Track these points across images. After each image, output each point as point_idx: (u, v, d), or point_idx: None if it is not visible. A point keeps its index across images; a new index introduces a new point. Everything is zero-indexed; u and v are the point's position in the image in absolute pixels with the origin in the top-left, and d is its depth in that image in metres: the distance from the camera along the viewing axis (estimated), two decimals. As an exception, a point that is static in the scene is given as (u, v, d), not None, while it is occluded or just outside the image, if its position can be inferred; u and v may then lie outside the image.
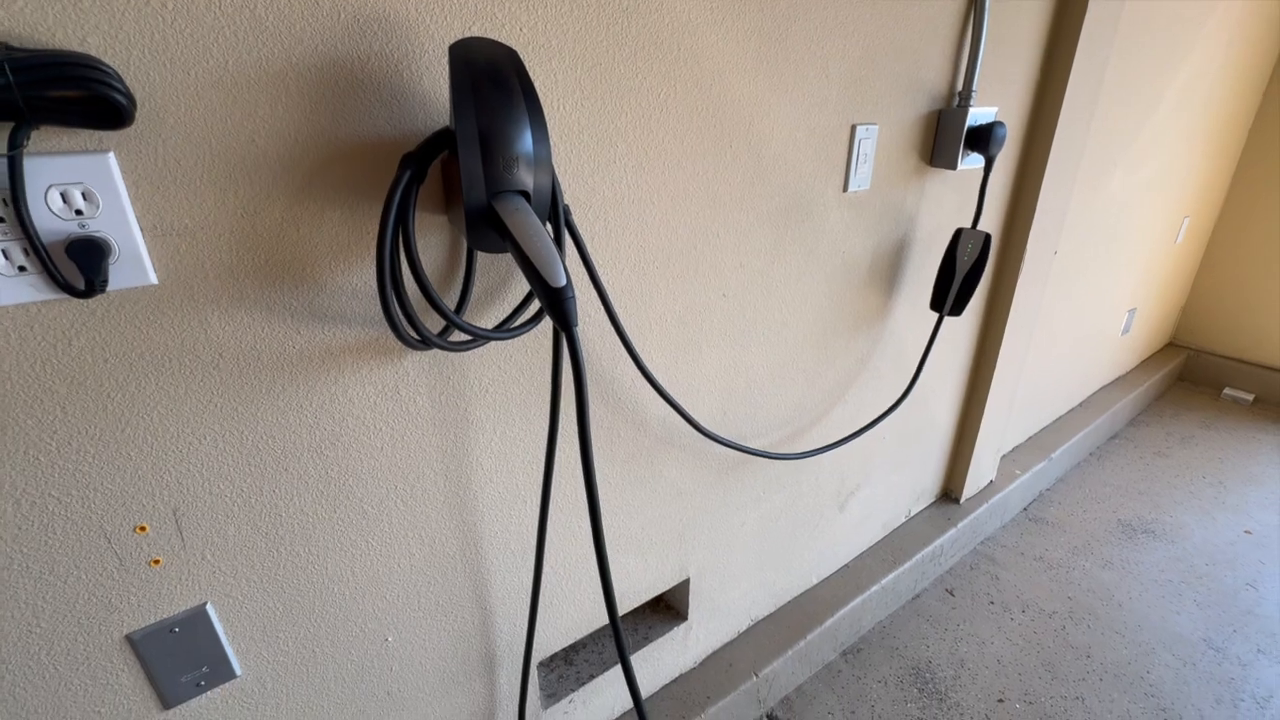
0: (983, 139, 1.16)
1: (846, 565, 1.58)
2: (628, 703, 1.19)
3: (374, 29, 0.57)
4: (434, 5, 0.60)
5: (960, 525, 1.73)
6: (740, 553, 1.26)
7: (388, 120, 0.60)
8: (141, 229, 0.52)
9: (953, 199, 1.29)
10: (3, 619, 0.56)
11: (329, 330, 0.64)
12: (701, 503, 1.13)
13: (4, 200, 0.46)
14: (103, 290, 0.50)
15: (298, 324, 0.62)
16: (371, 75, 0.58)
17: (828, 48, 0.93)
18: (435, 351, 0.72)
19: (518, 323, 0.72)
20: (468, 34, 0.62)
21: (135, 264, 0.52)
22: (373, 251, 0.64)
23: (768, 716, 1.35)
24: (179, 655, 0.65)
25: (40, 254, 0.47)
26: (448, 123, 0.63)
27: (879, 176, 1.12)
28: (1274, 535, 1.90)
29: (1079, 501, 2.07)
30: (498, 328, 0.70)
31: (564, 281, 0.53)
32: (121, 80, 0.46)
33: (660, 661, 1.22)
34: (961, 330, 1.54)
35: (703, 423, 1.04)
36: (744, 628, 1.38)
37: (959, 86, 1.17)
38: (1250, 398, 2.67)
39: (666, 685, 1.26)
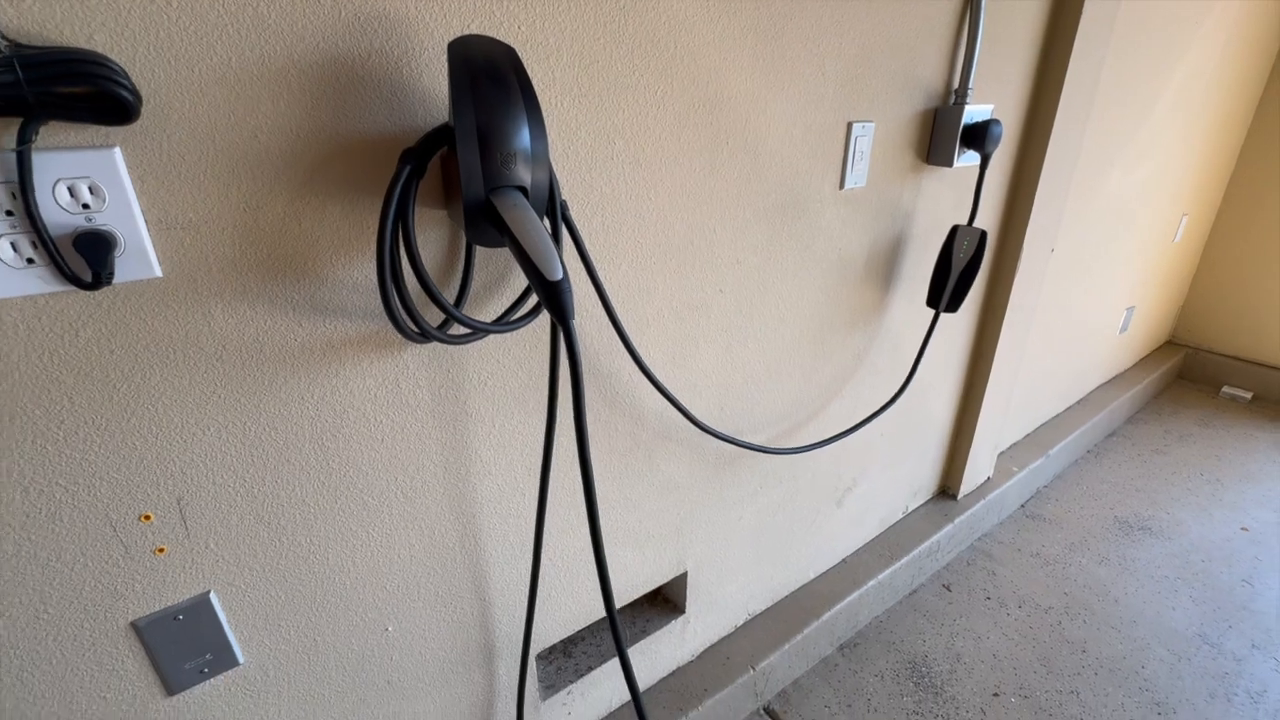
0: (978, 137, 1.17)
1: (844, 560, 1.59)
2: (626, 695, 1.21)
3: (374, 26, 0.58)
4: (433, 3, 0.61)
5: (957, 521, 1.74)
6: (737, 547, 1.27)
7: (388, 116, 0.61)
8: (147, 223, 0.53)
9: (949, 196, 1.30)
10: (12, 605, 0.57)
11: (330, 323, 0.65)
12: (699, 497, 1.14)
13: (13, 194, 0.47)
14: (109, 283, 0.51)
15: (299, 317, 0.63)
16: (372, 72, 0.59)
17: (824, 45, 0.94)
18: (435, 345, 0.73)
19: (516, 316, 0.73)
20: (467, 31, 0.63)
21: (140, 257, 0.53)
22: (373, 246, 0.65)
23: (764, 710, 1.37)
24: (183, 642, 0.66)
25: (48, 247, 0.49)
26: (447, 119, 0.64)
27: (875, 174, 1.13)
28: (1271, 532, 1.91)
29: (1076, 498, 2.08)
30: (496, 321, 0.71)
31: (560, 275, 0.54)
32: (127, 76, 0.47)
33: (658, 654, 1.23)
34: (958, 327, 1.55)
35: (700, 417, 1.05)
36: (741, 622, 1.39)
37: (955, 84, 1.18)
38: (1248, 396, 2.68)
39: (664, 678, 1.27)
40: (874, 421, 1.40)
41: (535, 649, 1.02)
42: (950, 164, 1.19)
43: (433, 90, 0.63)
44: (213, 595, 0.67)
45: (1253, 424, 2.51)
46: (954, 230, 1.25)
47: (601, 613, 1.09)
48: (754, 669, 1.30)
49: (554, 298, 0.54)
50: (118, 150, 0.50)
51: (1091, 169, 1.73)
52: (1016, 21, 1.24)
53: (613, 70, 0.74)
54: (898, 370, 1.43)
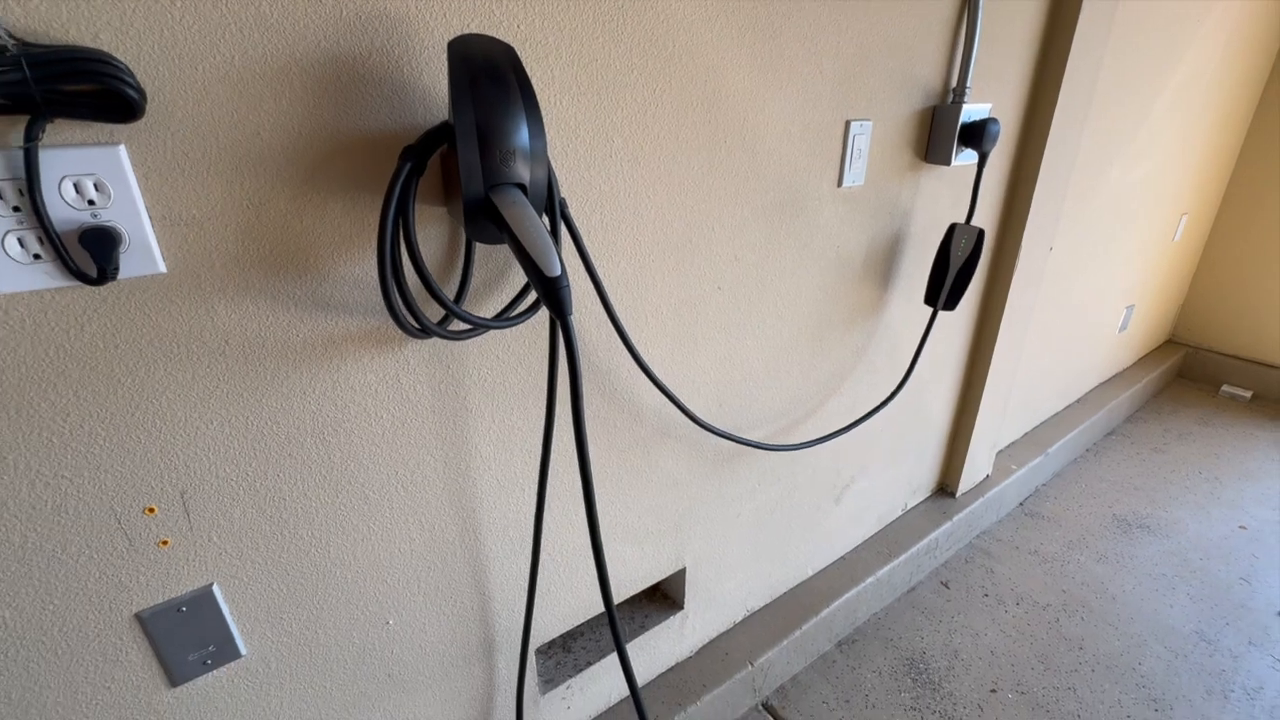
0: (976, 135, 1.17)
1: (842, 557, 1.60)
2: (625, 690, 1.21)
3: (375, 25, 0.59)
4: (434, 2, 0.61)
5: (956, 519, 1.75)
6: (736, 543, 1.28)
7: (389, 114, 0.62)
8: (151, 219, 0.54)
9: (947, 194, 1.31)
10: (19, 595, 0.58)
11: (332, 319, 0.66)
12: (697, 493, 1.14)
13: (20, 190, 0.48)
14: (114, 278, 0.52)
15: (301, 312, 0.64)
16: (373, 70, 0.60)
17: (821, 44, 0.94)
18: (435, 340, 0.74)
19: (516, 312, 0.74)
20: (466, 30, 0.64)
21: (145, 253, 0.54)
22: (374, 242, 0.66)
23: (763, 705, 1.37)
24: (186, 634, 0.67)
25: (54, 242, 0.49)
26: (447, 117, 0.64)
27: (873, 172, 1.13)
28: (1269, 530, 1.91)
29: (1075, 496, 2.08)
30: (496, 317, 0.72)
31: (559, 271, 0.55)
32: (133, 75, 0.48)
33: (657, 650, 1.24)
34: (957, 326, 1.56)
35: (698, 414, 1.06)
36: (740, 618, 1.39)
37: (953, 83, 1.18)
38: (1248, 395, 2.68)
39: (663, 673, 1.28)
40: (872, 419, 1.41)
41: (535, 643, 1.03)
42: (948, 162, 1.19)
43: (433, 88, 0.64)
44: (215, 587, 0.68)
45: (1252, 423, 2.52)
46: (952, 228, 1.26)
47: (601, 608, 1.10)
48: (752, 665, 1.31)
49: (552, 293, 0.55)
50: (123, 147, 0.51)
51: (1090, 168, 1.74)
52: (1014, 21, 1.24)
53: (611, 69, 0.75)
54: (896, 368, 1.44)
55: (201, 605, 0.67)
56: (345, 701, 0.83)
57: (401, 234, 0.62)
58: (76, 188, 0.50)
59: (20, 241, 0.49)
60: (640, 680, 1.24)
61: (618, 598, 1.13)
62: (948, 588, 1.70)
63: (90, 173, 0.50)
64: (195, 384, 0.60)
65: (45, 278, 0.51)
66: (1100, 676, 1.44)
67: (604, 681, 1.16)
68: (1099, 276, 2.09)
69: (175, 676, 0.68)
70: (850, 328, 1.27)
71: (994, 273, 1.56)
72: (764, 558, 1.36)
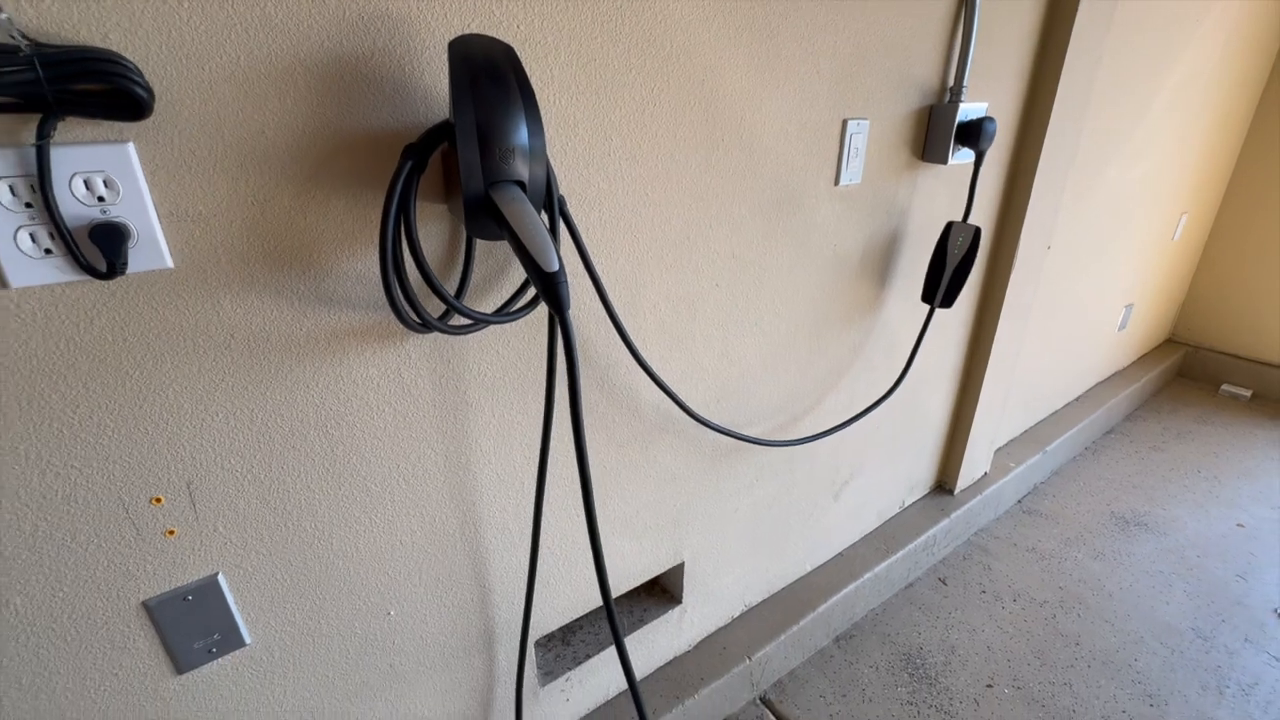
0: (973, 134, 1.18)
1: (841, 553, 1.61)
2: (624, 683, 1.23)
3: (378, 26, 0.60)
4: (435, 3, 0.63)
5: (954, 516, 1.76)
6: (734, 539, 1.29)
7: (390, 113, 0.63)
8: (159, 215, 0.55)
9: (944, 193, 1.32)
10: (30, 582, 0.59)
11: (334, 313, 0.67)
12: (696, 488, 1.16)
13: (32, 187, 0.49)
14: (123, 272, 0.53)
15: (305, 307, 0.65)
16: (375, 70, 0.61)
17: (818, 44, 0.95)
18: (436, 335, 0.75)
19: (515, 308, 0.75)
20: (467, 31, 0.65)
21: (153, 248, 0.55)
22: (376, 238, 0.67)
23: (760, 699, 1.39)
24: (192, 622, 0.69)
25: (65, 237, 0.51)
26: (448, 116, 0.66)
27: (870, 170, 1.14)
28: (1266, 528, 1.92)
29: (1073, 494, 2.09)
30: (496, 312, 0.73)
31: (556, 266, 0.56)
32: (141, 74, 0.49)
33: (655, 644, 1.25)
34: (954, 324, 1.57)
35: (696, 410, 1.07)
36: (738, 612, 1.41)
37: (950, 82, 1.19)
38: (1248, 394, 2.69)
39: (661, 667, 1.29)
40: (870, 416, 1.42)
41: (534, 636, 1.04)
42: (945, 161, 1.20)
43: (434, 88, 0.65)
44: (220, 577, 0.69)
45: (1252, 422, 2.52)
46: (949, 226, 1.27)
47: (600, 601, 1.11)
48: (750, 659, 1.32)
49: (550, 289, 0.56)
50: (131, 145, 0.52)
51: (1088, 167, 1.74)
52: (1012, 20, 1.25)
53: (610, 68, 0.76)
54: (893, 365, 1.45)
55: (207, 594, 0.69)
56: (348, 691, 0.85)
57: (403, 230, 0.64)
58: (87, 184, 0.51)
59: (32, 237, 0.50)
60: (639, 674, 1.25)
61: (616, 591, 1.14)
62: (945, 584, 1.71)
63: (100, 170, 0.51)
64: (201, 377, 0.62)
65: (56, 272, 0.52)
66: (1096, 672, 1.45)
67: (603, 674, 1.18)
68: (1098, 275, 2.09)
69: (181, 664, 0.70)
70: (848, 325, 1.28)
71: (991, 271, 1.57)
72: (762, 553, 1.38)
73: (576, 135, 0.77)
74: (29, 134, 0.48)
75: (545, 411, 0.81)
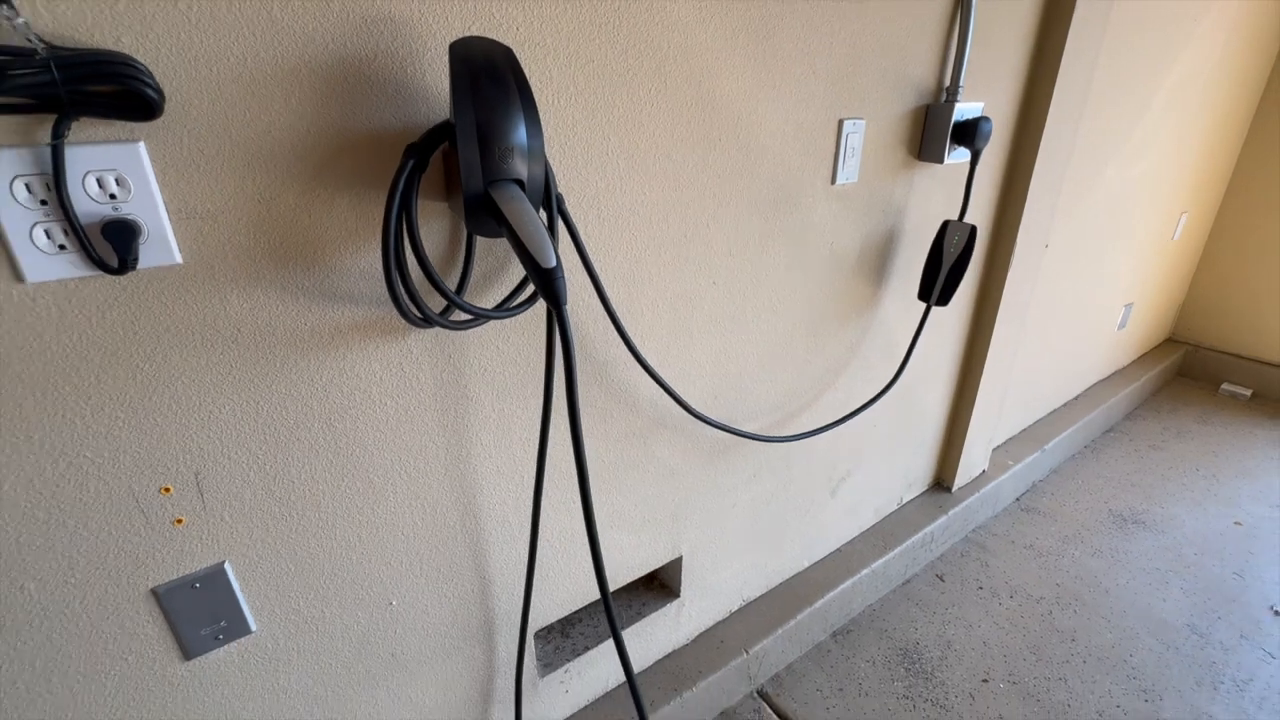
0: (969, 134, 1.19)
1: (838, 549, 1.62)
2: (622, 675, 1.24)
3: (380, 28, 0.62)
4: (436, 5, 0.64)
5: (951, 513, 1.77)
6: (732, 534, 1.31)
7: (393, 113, 0.65)
8: (168, 212, 0.57)
9: (940, 192, 1.33)
10: (43, 568, 0.61)
11: (338, 309, 0.69)
12: (694, 483, 1.17)
13: (47, 185, 0.51)
14: (134, 268, 0.55)
15: (309, 303, 0.67)
16: (378, 71, 0.63)
17: (814, 44, 0.97)
18: (437, 330, 0.77)
19: (514, 303, 0.77)
20: (467, 33, 0.67)
21: (162, 244, 0.57)
22: (379, 235, 0.69)
23: (757, 693, 1.40)
24: (199, 609, 0.70)
25: (78, 234, 0.53)
26: (448, 116, 0.67)
27: (867, 170, 1.16)
28: (1264, 526, 1.93)
29: (1071, 492, 2.10)
30: (496, 308, 0.75)
31: (554, 262, 0.57)
32: (152, 76, 0.51)
33: (653, 637, 1.27)
34: (952, 322, 1.58)
35: (694, 405, 1.08)
36: (735, 607, 1.42)
37: (946, 82, 1.21)
38: (1248, 393, 2.69)
39: (659, 660, 1.30)
40: (867, 413, 1.43)
41: (534, 627, 1.06)
42: (941, 160, 1.21)
43: (435, 88, 0.67)
44: (227, 565, 0.71)
45: (1251, 421, 2.53)
46: (945, 225, 1.28)
47: (598, 594, 1.13)
48: (747, 653, 1.34)
49: (548, 284, 0.58)
50: (142, 144, 0.54)
51: (1086, 167, 1.75)
52: (1008, 20, 1.26)
53: (607, 69, 0.77)
54: (890, 363, 1.46)
55: (214, 582, 0.71)
56: (350, 680, 0.86)
57: (405, 227, 0.65)
58: (99, 182, 0.53)
59: (47, 233, 0.52)
60: (637, 666, 1.27)
61: (614, 585, 1.16)
62: (942, 580, 1.73)
63: (112, 168, 0.53)
64: (209, 370, 0.64)
65: (70, 267, 0.54)
66: (1091, 668, 1.46)
67: (602, 666, 1.19)
68: (1097, 274, 2.10)
69: (189, 650, 0.72)
70: (845, 323, 1.29)
71: (989, 270, 1.58)
72: (760, 548, 1.39)
73: (575, 135, 0.78)
74: (44, 134, 0.50)
75: (544, 405, 0.83)
